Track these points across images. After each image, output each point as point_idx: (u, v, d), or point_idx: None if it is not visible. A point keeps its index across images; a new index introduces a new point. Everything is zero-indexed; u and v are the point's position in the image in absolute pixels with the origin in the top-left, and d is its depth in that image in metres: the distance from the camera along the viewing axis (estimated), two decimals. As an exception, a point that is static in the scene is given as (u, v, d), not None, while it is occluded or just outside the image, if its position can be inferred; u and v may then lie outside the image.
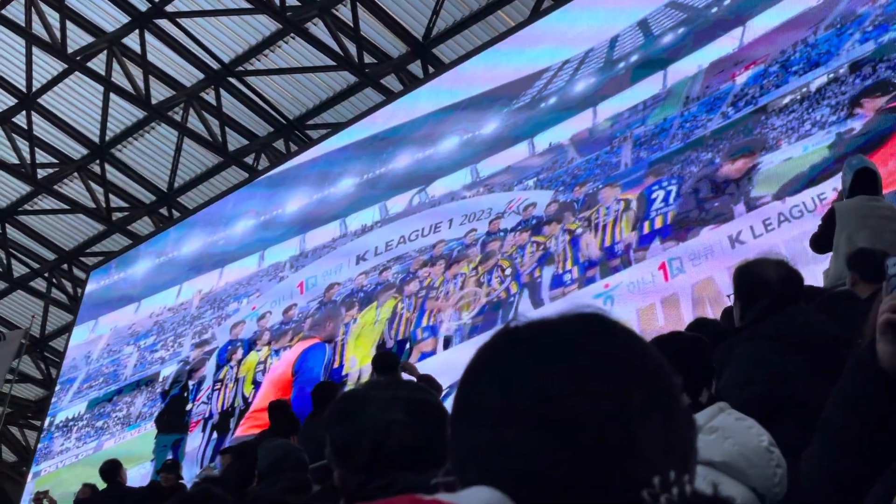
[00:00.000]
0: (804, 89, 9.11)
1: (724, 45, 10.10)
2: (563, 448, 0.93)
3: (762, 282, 3.65)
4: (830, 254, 5.74)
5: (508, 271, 10.77)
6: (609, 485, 0.92)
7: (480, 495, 0.94)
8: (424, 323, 11.36)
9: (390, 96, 14.82)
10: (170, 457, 12.28)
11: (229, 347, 14.18)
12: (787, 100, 9.19)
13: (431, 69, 14.77)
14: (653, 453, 0.94)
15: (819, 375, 3.07)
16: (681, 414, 1.01)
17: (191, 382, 14.37)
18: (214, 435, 13.10)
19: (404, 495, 0.95)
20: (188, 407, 14.01)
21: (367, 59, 15.32)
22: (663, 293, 9.02)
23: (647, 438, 0.94)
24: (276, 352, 13.33)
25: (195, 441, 13.31)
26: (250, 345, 13.86)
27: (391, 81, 15.60)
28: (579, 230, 10.29)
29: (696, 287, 8.77)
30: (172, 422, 14.11)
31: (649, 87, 10.64)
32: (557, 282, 10.12)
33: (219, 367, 14.09)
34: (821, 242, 5.94)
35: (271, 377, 12.87)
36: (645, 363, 1.01)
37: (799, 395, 3.18)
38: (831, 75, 8.95)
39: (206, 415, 13.63)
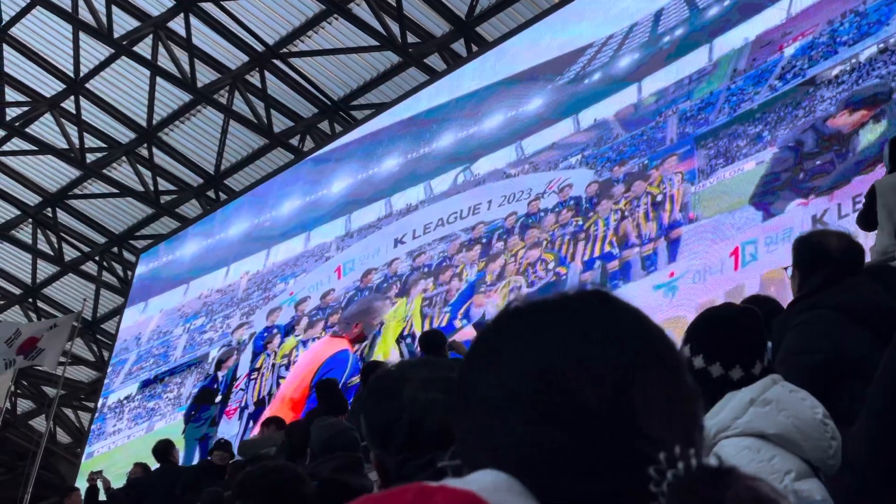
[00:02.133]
0: (853, 60, 8.97)
1: (772, 17, 9.96)
2: (567, 432, 0.94)
3: (823, 252, 3.61)
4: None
5: (552, 265, 10.70)
6: (615, 465, 0.92)
7: (488, 478, 0.94)
8: (460, 314, 11.35)
9: (434, 76, 14.80)
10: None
11: (266, 335, 14.28)
12: (836, 71, 9.06)
13: (475, 48, 14.73)
14: (656, 430, 0.94)
15: (880, 348, 3.05)
16: (684, 388, 1.00)
17: (220, 374, 14.52)
18: (251, 424, 13.19)
19: (413, 483, 0.95)
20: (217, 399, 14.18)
21: (411, 38, 15.30)
22: (729, 285, 8.66)
23: (651, 416, 0.95)
24: (304, 343, 13.38)
25: (232, 429, 13.41)
26: (287, 330, 13.92)
27: (434, 60, 15.57)
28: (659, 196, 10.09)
29: (764, 277, 8.43)
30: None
31: (694, 61, 10.54)
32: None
33: (255, 355, 14.19)
34: (868, 219, 5.92)
35: (292, 380, 12.93)
36: (646, 339, 1.01)
37: (860, 366, 3.15)
38: (881, 45, 8.81)
39: (243, 403, 13.74)
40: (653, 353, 1.00)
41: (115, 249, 20.77)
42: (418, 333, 11.15)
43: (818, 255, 3.62)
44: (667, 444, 0.92)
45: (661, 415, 0.95)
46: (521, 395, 0.97)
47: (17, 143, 18.64)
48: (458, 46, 15.30)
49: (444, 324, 11.33)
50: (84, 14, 16.05)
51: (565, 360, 0.97)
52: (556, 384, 0.96)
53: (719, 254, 8.96)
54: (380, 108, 15.37)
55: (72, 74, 17.20)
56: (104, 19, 16.01)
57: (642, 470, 0.90)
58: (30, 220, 20.34)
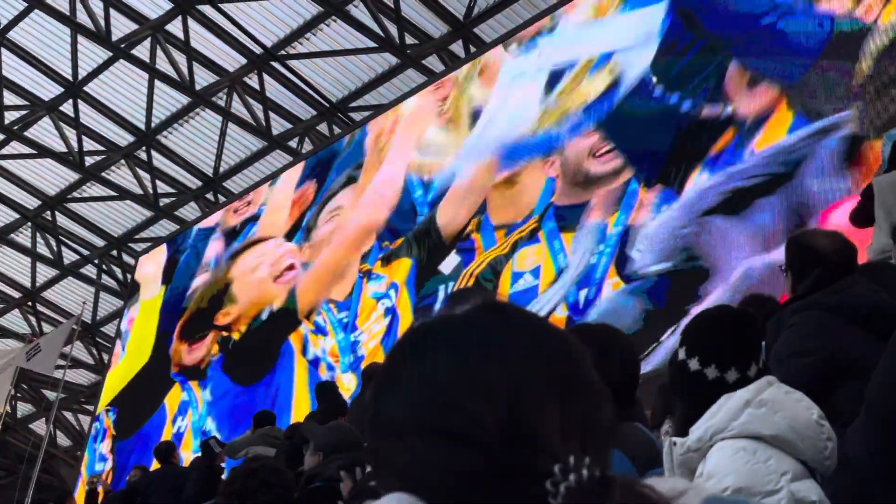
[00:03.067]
0: None
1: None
2: (466, 450, 0.96)
3: (817, 252, 3.62)
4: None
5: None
6: (514, 480, 0.94)
7: (392, 501, 0.97)
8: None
9: (432, 76, 14.80)
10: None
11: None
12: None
13: (473, 49, 14.73)
14: (552, 441, 0.96)
15: (878, 347, 3.06)
16: (583, 391, 1.02)
17: None
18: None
19: None
20: None
21: (409, 39, 15.30)
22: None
23: (546, 427, 0.97)
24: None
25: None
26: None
27: (433, 62, 15.58)
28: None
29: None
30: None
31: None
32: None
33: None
34: (862, 216, 5.94)
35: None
36: (539, 350, 1.02)
37: (857, 365, 3.16)
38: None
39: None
40: (546, 362, 1.01)
41: (115, 252, 20.77)
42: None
43: (811, 255, 3.63)
44: (562, 454, 0.94)
45: (557, 424, 0.97)
46: (420, 416, 1.00)
47: (15, 147, 18.63)
48: (457, 48, 15.30)
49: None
50: (82, 17, 16.06)
51: (459, 379, 0.99)
52: (451, 404, 0.98)
53: None
54: (378, 109, 15.37)
55: (70, 78, 17.21)
56: (102, 22, 16.02)
57: (540, 483, 0.93)
58: (29, 223, 20.33)
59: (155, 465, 10.82)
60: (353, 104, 16.71)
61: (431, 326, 1.07)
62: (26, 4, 16.01)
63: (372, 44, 15.43)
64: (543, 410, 0.97)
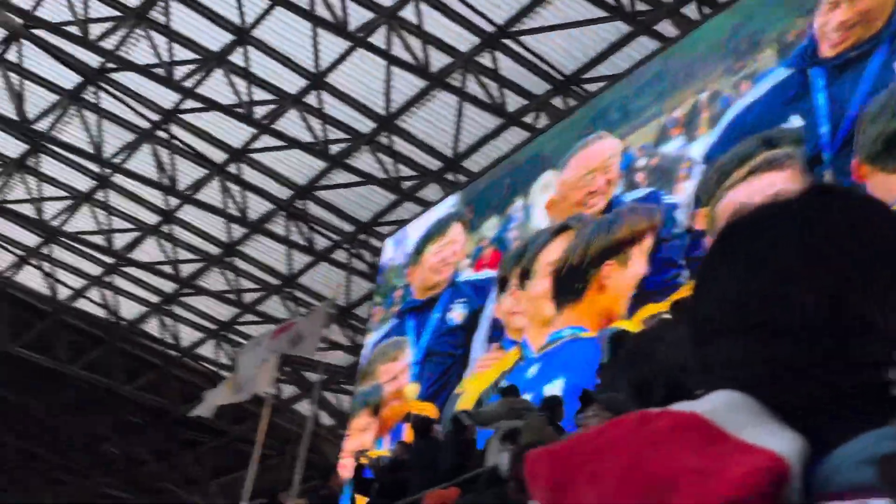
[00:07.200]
0: None
1: None
2: (788, 343, 0.89)
3: None
4: None
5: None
6: (845, 371, 0.87)
7: (719, 398, 0.90)
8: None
9: (666, 42, 14.49)
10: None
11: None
12: None
13: (708, 10, 14.30)
14: (889, 329, 0.87)
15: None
16: None
17: None
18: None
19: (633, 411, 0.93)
20: None
21: (640, 5, 15.03)
22: None
23: (883, 315, 0.88)
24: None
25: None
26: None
27: (665, 27, 15.23)
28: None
29: None
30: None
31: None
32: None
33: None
34: None
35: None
36: (877, 236, 0.93)
37: None
38: None
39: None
40: (886, 249, 0.92)
41: (363, 236, 21.38)
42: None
43: None
44: None
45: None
46: (736, 312, 0.93)
47: (266, 140, 19.44)
48: (690, 10, 14.90)
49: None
50: (321, 10, 16.57)
51: (780, 268, 0.92)
52: (772, 294, 0.91)
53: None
54: (612, 80, 15.17)
55: (313, 70, 17.80)
56: (340, 13, 16.49)
57: (879, 373, 0.85)
58: (282, 212, 21.18)
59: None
60: (587, 76, 16.56)
61: (748, 219, 1.00)
62: (270, 3, 16.67)
63: (602, 13, 15.25)
64: (884, 297, 0.89)
